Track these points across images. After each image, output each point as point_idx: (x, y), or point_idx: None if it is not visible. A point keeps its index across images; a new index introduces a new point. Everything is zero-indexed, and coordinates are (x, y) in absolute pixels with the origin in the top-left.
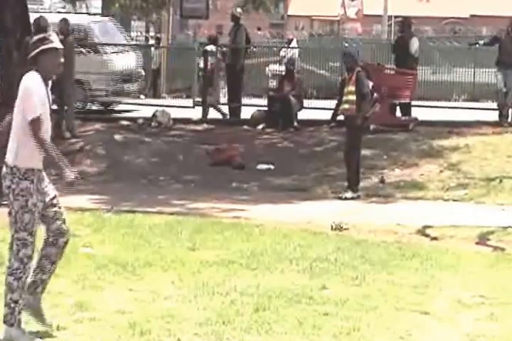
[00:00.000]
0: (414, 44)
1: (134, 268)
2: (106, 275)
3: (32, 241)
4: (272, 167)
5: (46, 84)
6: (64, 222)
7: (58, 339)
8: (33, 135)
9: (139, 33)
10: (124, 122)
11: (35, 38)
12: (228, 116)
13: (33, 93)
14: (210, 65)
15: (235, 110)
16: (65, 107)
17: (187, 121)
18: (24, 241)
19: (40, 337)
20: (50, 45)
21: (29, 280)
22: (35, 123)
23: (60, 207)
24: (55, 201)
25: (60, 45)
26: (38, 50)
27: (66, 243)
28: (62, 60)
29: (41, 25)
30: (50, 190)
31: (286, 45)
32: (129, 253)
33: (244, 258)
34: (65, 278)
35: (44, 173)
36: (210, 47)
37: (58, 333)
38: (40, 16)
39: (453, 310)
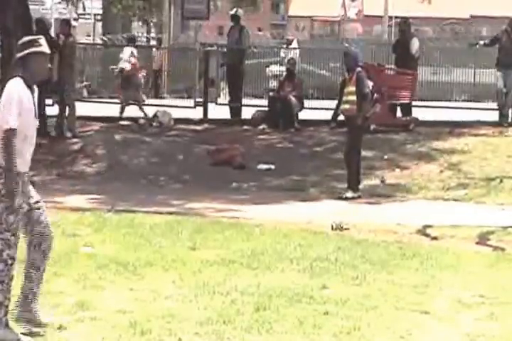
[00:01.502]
0: (415, 44)
1: (134, 267)
2: (107, 275)
3: (15, 243)
4: (272, 167)
5: (31, 89)
6: (47, 225)
7: (59, 339)
8: (3, 145)
9: (140, 34)
10: (125, 122)
11: (25, 39)
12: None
13: (13, 102)
14: (131, 65)
15: (236, 110)
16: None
17: (188, 121)
18: (8, 242)
19: (29, 334)
20: (39, 49)
21: (20, 294)
22: (8, 134)
23: (43, 211)
24: (39, 204)
25: (48, 50)
26: (26, 52)
27: (50, 247)
28: (48, 65)
29: (43, 25)
30: (34, 193)
31: (286, 46)
32: (129, 252)
33: (245, 257)
34: (66, 277)
35: (27, 178)
36: (130, 48)
37: (59, 332)
38: (42, 16)
39: (453, 309)
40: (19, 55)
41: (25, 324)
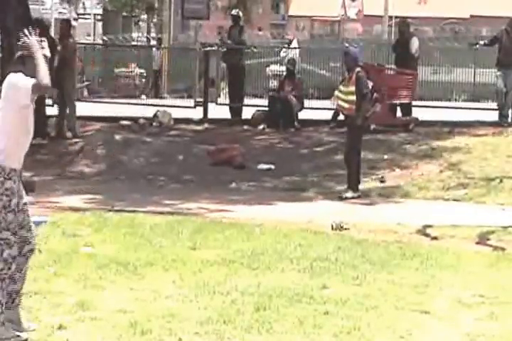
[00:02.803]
0: (415, 44)
1: (135, 267)
2: (107, 275)
3: (15, 242)
4: (272, 167)
5: None
6: (30, 229)
7: (59, 338)
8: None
9: (140, 34)
10: (125, 122)
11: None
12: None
13: (18, 83)
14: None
15: (237, 110)
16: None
17: (188, 121)
18: (8, 241)
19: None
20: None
21: (4, 297)
22: (35, 87)
23: (28, 215)
24: (25, 207)
25: (48, 54)
26: (27, 53)
27: (31, 251)
28: (47, 63)
29: (41, 25)
30: (24, 194)
31: (286, 46)
32: (130, 252)
33: (245, 257)
34: (66, 277)
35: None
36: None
37: (59, 332)
38: (40, 16)
39: (453, 309)
40: (20, 53)
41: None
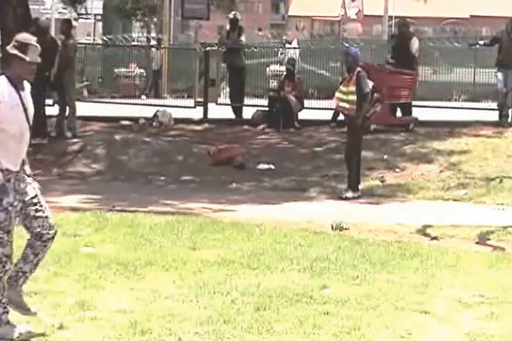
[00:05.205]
0: (415, 44)
1: (135, 267)
2: (107, 275)
3: (9, 241)
4: (272, 167)
5: (18, 87)
6: (47, 218)
7: (59, 338)
8: None
9: (140, 34)
10: (125, 122)
11: (23, 38)
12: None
13: None
14: None
15: (237, 110)
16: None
17: (188, 121)
18: (0, 240)
19: (30, 333)
20: (22, 55)
21: (11, 272)
22: None
23: (41, 205)
24: (35, 200)
25: (35, 60)
26: (12, 53)
27: (51, 239)
28: (34, 68)
29: (42, 26)
30: (31, 189)
31: (283, 46)
32: (130, 252)
33: (245, 257)
34: (66, 277)
35: (23, 174)
36: None
37: (59, 332)
38: (40, 16)
39: (453, 309)
40: (9, 49)
41: (13, 308)
